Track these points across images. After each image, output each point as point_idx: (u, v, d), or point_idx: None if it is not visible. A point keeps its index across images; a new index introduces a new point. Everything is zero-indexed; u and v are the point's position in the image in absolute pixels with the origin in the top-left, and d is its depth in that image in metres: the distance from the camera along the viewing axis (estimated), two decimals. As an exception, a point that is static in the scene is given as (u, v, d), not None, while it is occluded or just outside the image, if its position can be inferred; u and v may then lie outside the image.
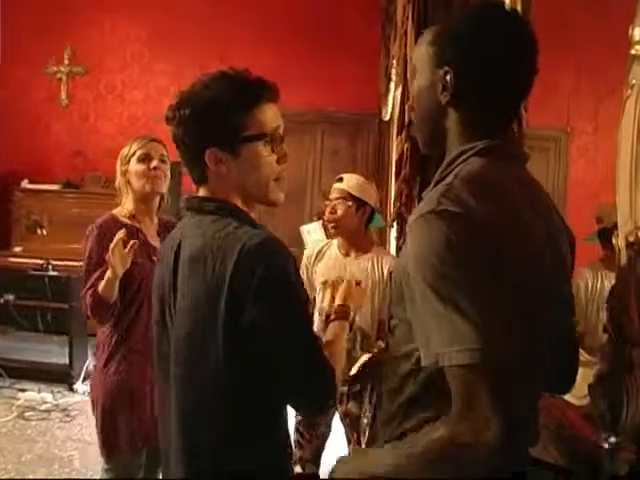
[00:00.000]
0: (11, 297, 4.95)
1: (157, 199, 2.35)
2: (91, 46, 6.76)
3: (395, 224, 3.03)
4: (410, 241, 1.00)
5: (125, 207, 2.32)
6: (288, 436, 1.39)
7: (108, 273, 2.08)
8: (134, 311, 2.20)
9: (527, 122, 1.84)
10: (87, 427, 4.03)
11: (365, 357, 2.22)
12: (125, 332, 2.22)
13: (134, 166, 2.26)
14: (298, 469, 2.67)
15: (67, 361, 4.83)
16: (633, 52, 1.16)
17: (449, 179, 1.05)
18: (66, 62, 6.80)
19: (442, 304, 0.91)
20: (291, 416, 1.40)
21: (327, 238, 3.25)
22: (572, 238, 1.19)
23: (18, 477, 3.45)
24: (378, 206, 2.89)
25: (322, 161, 6.62)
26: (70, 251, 5.72)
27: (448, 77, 1.08)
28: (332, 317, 1.53)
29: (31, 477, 3.45)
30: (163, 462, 1.41)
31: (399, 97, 3.39)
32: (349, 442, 2.68)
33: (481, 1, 1.23)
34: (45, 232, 5.27)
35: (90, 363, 4.96)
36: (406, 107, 2.72)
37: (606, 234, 2.39)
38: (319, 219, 4.87)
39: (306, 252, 2.94)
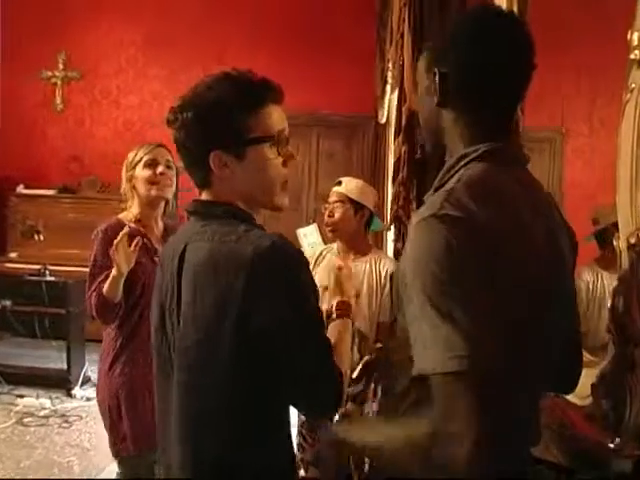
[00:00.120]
0: (8, 303, 4.93)
1: (162, 204, 2.38)
2: (86, 51, 6.77)
3: (393, 227, 3.05)
4: (410, 244, 1.01)
5: (131, 212, 2.35)
6: (291, 439, 1.38)
7: (113, 272, 2.12)
8: (138, 314, 2.22)
9: (522, 123, 1.85)
10: (86, 432, 4.01)
11: (366, 359, 2.23)
12: (130, 334, 2.24)
13: (140, 172, 2.28)
14: (301, 472, 2.67)
15: (65, 366, 4.82)
16: (632, 56, 1.17)
17: (451, 183, 1.05)
18: (61, 67, 6.81)
19: (435, 310, 0.92)
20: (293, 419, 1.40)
21: (324, 241, 3.25)
22: (574, 237, 1.20)
23: (18, 484, 3.45)
24: (376, 210, 2.90)
25: (318, 164, 6.64)
26: (66, 256, 5.73)
27: (437, 79, 1.09)
28: (333, 315, 1.50)
29: (31, 483, 3.45)
30: (163, 467, 1.40)
31: (396, 100, 3.41)
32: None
33: (478, 4, 1.23)
34: (42, 237, 5.25)
35: (88, 368, 4.97)
36: (403, 110, 2.74)
37: (603, 235, 2.42)
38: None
39: (306, 255, 2.94)
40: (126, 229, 2.15)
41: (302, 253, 1.25)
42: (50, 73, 6.81)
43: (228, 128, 1.24)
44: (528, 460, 1.15)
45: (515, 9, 1.78)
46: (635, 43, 1.17)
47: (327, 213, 2.78)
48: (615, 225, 1.36)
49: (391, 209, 2.97)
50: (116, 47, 6.75)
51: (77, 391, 4.76)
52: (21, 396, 4.67)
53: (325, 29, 6.33)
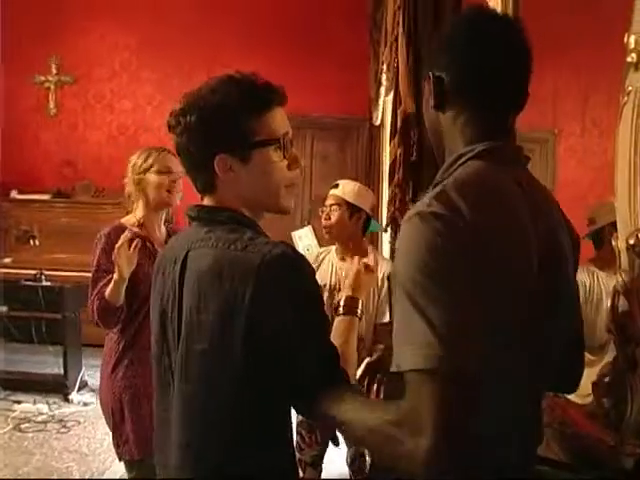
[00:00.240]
0: (4, 309, 4.92)
1: (165, 209, 2.41)
2: (79, 55, 6.76)
3: (389, 229, 3.06)
4: (398, 242, 1.01)
5: (134, 215, 2.37)
6: (292, 442, 1.37)
7: (115, 275, 2.13)
8: (141, 316, 2.22)
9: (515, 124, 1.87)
10: (84, 438, 4.00)
11: (367, 360, 2.24)
12: (132, 337, 2.25)
13: (155, 177, 2.30)
14: (299, 473, 2.68)
15: (62, 371, 4.82)
16: (629, 59, 1.19)
17: (445, 182, 1.05)
18: (54, 71, 6.80)
19: (412, 306, 0.91)
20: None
21: (319, 243, 3.27)
22: (575, 236, 1.20)
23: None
24: (372, 212, 2.91)
25: (312, 166, 6.64)
26: (61, 261, 5.72)
27: (432, 82, 1.10)
28: (340, 310, 1.45)
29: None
30: (162, 473, 1.39)
31: (390, 102, 3.42)
32: (349, 446, 2.69)
33: (473, 7, 1.23)
34: (37, 242, 5.25)
35: (85, 373, 4.97)
36: (398, 112, 2.75)
37: (599, 235, 2.42)
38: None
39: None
40: (127, 233, 2.16)
41: (308, 261, 1.23)
42: (43, 77, 6.81)
43: (233, 131, 1.22)
44: (529, 460, 1.15)
45: (510, 11, 1.80)
46: (632, 46, 1.18)
47: (324, 216, 2.80)
48: (612, 225, 1.37)
49: (387, 211, 2.98)
50: (110, 51, 6.74)
51: (74, 396, 4.75)
52: (18, 402, 4.65)
53: (318, 32, 6.35)
